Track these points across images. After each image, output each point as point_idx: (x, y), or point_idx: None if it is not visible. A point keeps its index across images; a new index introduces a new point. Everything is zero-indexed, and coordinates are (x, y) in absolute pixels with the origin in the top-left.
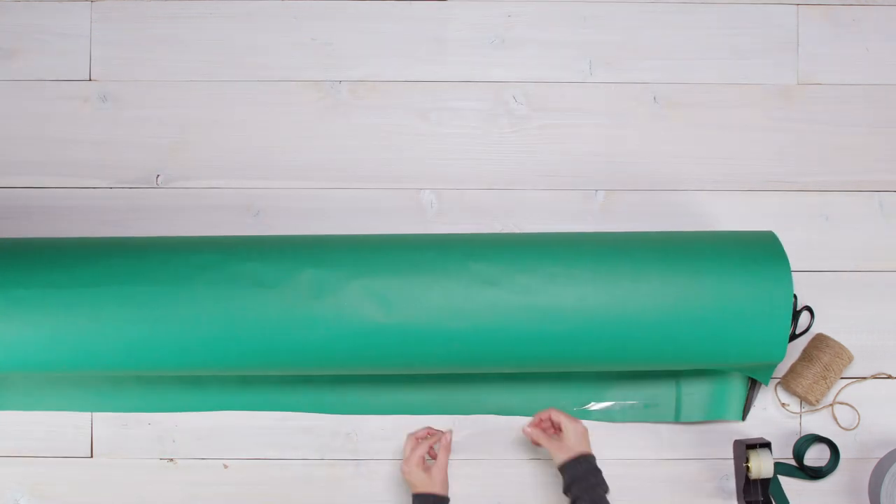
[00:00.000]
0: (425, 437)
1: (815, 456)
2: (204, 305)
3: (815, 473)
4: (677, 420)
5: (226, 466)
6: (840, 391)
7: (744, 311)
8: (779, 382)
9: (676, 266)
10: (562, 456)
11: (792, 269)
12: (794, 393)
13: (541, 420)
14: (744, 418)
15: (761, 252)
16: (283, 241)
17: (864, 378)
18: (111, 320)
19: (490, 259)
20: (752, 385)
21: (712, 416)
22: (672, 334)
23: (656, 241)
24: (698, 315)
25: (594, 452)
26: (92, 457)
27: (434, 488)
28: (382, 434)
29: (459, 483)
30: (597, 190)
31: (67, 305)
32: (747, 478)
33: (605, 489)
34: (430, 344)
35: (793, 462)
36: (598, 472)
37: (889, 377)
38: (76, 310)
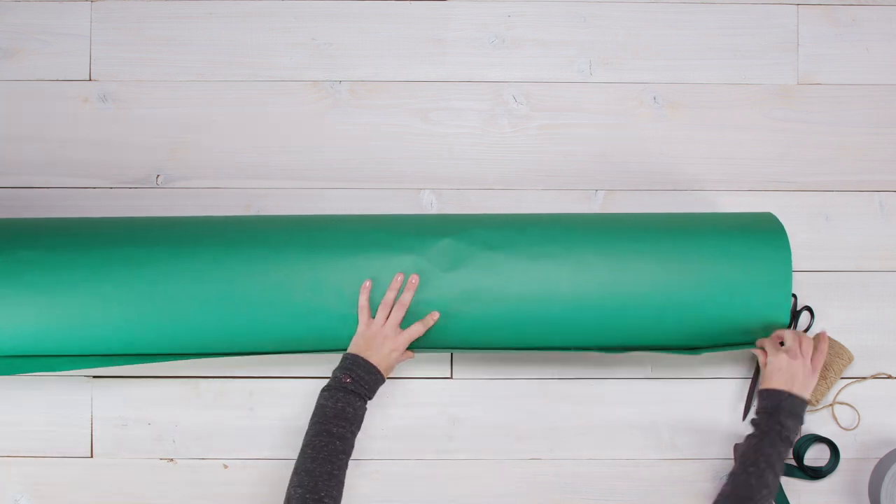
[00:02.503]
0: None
1: (815, 456)
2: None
3: (815, 473)
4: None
5: (226, 466)
6: (840, 391)
7: (744, 283)
8: None
9: (677, 239)
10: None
11: (792, 269)
12: None
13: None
14: (744, 418)
15: (757, 222)
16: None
17: (864, 378)
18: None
19: (490, 234)
20: (753, 385)
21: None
22: (675, 301)
23: (650, 220)
24: (697, 280)
25: (590, 451)
26: (92, 457)
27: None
28: (382, 434)
29: (460, 483)
30: (597, 190)
31: (71, 286)
32: None
33: (787, 440)
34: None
35: (793, 462)
36: (789, 416)
37: (889, 377)
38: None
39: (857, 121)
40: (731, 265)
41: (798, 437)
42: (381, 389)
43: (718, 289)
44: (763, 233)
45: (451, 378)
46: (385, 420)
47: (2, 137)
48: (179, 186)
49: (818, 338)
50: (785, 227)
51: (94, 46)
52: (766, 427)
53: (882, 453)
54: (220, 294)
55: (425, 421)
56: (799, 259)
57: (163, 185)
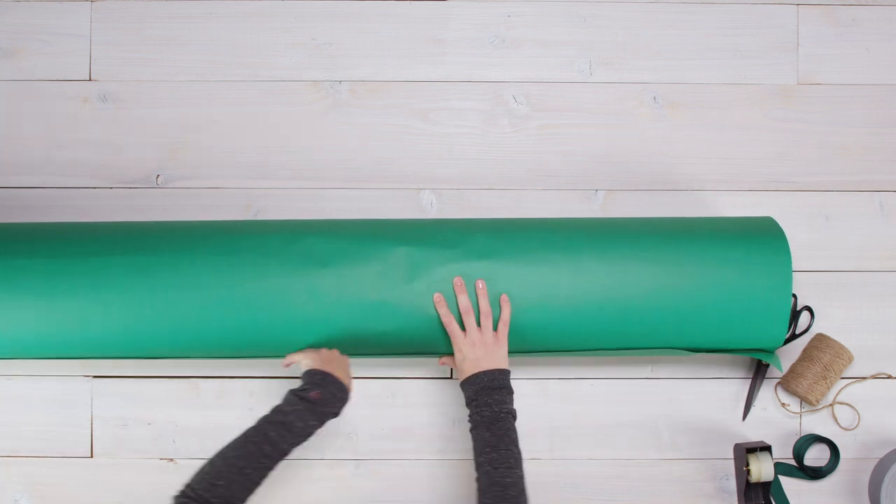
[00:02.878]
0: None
1: (815, 456)
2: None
3: (815, 473)
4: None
5: None
6: (840, 391)
7: (744, 290)
8: (779, 382)
9: (677, 243)
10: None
11: (792, 269)
12: (794, 393)
13: None
14: (744, 418)
15: (757, 226)
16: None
17: (864, 378)
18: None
19: (491, 241)
20: (753, 385)
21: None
22: (677, 307)
23: (650, 225)
24: (698, 284)
25: (585, 451)
26: (92, 457)
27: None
28: (382, 434)
29: (459, 483)
30: (597, 190)
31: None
32: (748, 481)
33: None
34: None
35: (793, 462)
36: (494, 390)
37: (889, 377)
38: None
39: (857, 121)
40: (731, 270)
41: (512, 399)
42: (380, 390)
43: (719, 293)
44: (763, 237)
45: (451, 378)
46: (385, 420)
47: (2, 137)
48: (179, 186)
49: (500, 302)
50: (785, 227)
51: (94, 46)
52: (477, 417)
53: (882, 453)
54: (219, 300)
55: (425, 421)
56: (799, 259)
57: (163, 185)
